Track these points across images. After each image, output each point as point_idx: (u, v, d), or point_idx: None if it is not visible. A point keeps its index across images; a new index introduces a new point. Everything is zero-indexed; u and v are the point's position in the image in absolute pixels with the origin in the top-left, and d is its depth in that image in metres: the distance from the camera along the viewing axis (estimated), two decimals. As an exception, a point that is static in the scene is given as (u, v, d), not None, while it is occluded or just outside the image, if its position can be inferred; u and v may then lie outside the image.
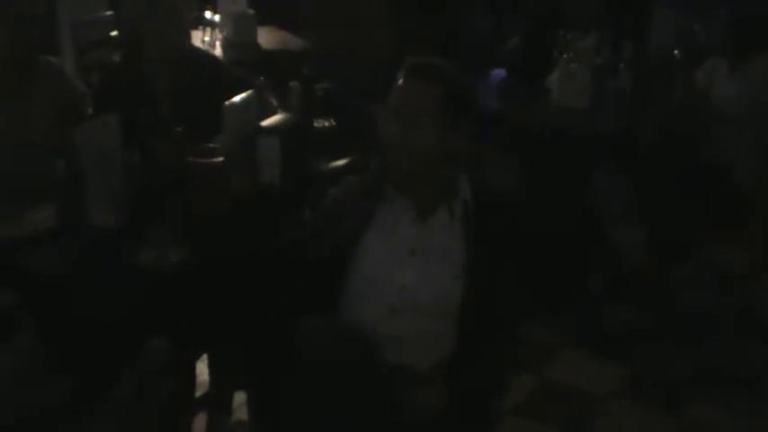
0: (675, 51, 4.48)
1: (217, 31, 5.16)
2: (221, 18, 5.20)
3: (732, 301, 4.22)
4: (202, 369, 3.25)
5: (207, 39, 5.11)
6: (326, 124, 3.31)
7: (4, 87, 3.06)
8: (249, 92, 3.09)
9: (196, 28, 5.05)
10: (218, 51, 5.03)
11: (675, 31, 4.60)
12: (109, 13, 4.99)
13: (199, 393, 3.24)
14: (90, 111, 3.33)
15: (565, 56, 4.34)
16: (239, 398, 3.27)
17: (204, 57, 3.77)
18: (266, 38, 5.32)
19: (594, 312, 4.18)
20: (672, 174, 4.15)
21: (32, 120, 3.10)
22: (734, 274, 4.27)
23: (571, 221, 4.19)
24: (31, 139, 3.09)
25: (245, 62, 4.76)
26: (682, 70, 4.43)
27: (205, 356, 3.25)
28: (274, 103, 3.34)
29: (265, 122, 3.03)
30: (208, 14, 5.19)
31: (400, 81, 2.41)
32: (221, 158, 2.83)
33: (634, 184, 4.28)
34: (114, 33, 4.72)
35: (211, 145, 2.89)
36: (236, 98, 3.02)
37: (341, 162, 3.11)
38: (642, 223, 4.34)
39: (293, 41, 5.40)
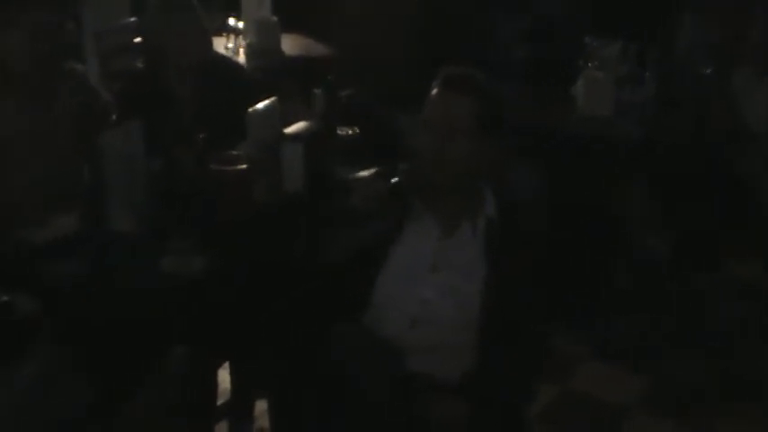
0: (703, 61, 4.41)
1: (240, 37, 5.16)
2: (245, 25, 5.20)
3: (756, 308, 4.18)
4: (224, 377, 3.24)
5: (230, 45, 5.11)
6: (350, 132, 3.29)
7: (28, 93, 3.06)
8: (272, 99, 3.09)
9: (219, 35, 5.05)
10: (241, 58, 5.03)
11: (704, 38, 4.53)
12: (132, 19, 5.01)
13: (220, 401, 3.24)
14: (113, 117, 3.33)
15: (590, 64, 4.32)
16: (261, 406, 3.26)
17: (227, 63, 3.78)
18: (290, 45, 5.31)
19: (616, 321, 4.14)
20: (696, 183, 4.11)
21: (56, 126, 3.09)
22: (756, 287, 4.23)
23: (594, 229, 4.16)
24: (54, 145, 3.08)
25: (268, 69, 4.77)
26: (709, 80, 4.37)
27: (227, 364, 3.24)
28: (299, 110, 3.33)
29: (289, 130, 3.02)
30: (231, 21, 5.18)
31: (435, 93, 2.37)
32: (245, 166, 2.82)
33: (658, 193, 4.25)
34: (137, 40, 4.72)
35: (235, 152, 2.88)
36: (260, 105, 3.02)
37: (365, 171, 3.10)
38: (666, 231, 4.30)
39: (317, 48, 5.40)
